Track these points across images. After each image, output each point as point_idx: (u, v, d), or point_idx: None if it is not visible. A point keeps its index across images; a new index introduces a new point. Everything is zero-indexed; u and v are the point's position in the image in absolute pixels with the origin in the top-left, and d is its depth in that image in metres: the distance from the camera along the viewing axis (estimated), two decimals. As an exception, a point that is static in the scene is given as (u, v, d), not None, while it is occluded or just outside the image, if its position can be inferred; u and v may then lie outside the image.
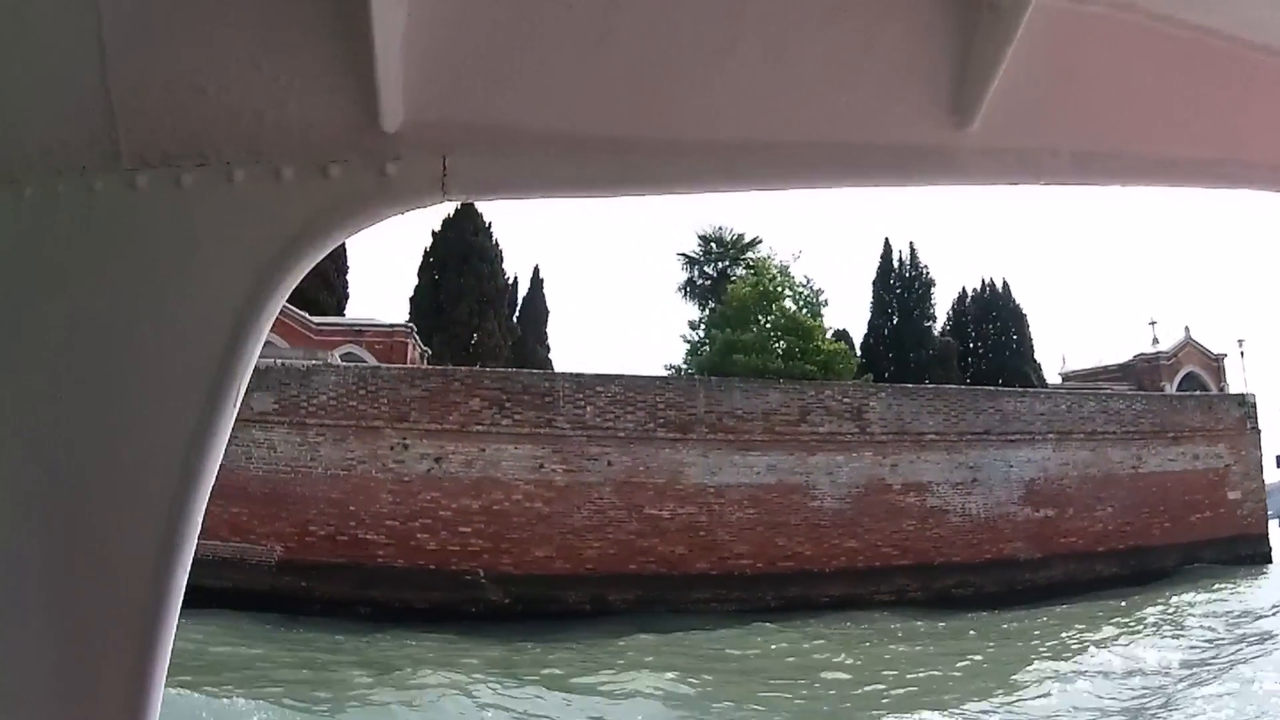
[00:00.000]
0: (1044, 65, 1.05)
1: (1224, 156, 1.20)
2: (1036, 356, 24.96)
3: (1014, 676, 11.62)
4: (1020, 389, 19.66)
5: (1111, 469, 17.99)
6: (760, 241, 28.25)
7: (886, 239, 27.26)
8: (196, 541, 1.03)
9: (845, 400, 18.04)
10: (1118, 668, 11.99)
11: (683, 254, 30.26)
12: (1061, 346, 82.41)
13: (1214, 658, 12.20)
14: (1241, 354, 25.14)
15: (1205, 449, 18.76)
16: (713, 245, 29.00)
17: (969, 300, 26.01)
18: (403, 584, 16.91)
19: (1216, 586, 16.14)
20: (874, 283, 25.64)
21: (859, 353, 21.99)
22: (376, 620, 16.15)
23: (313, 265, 1.05)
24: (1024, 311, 25.45)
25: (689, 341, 24.94)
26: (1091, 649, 13.16)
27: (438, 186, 1.02)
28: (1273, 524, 19.42)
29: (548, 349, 31.07)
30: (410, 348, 25.39)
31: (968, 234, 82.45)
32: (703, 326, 24.38)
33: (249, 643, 14.20)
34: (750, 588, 16.60)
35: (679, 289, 29.89)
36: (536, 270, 32.10)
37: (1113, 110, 1.13)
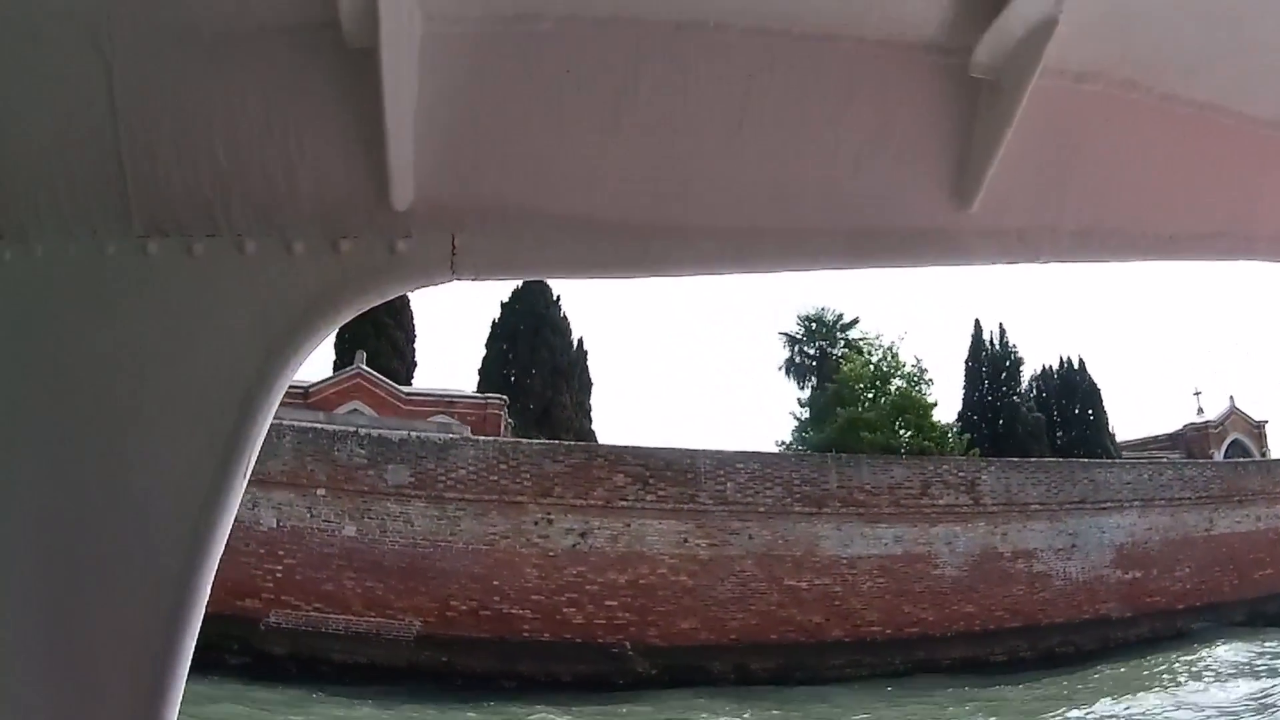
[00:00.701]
0: (1044, 145, 1.10)
1: (1226, 230, 1.24)
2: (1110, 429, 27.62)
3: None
4: (1109, 460, 22.00)
5: (1188, 532, 20.54)
6: (858, 321, 30.00)
7: (977, 320, 29.65)
8: (204, 608, 1.08)
9: (960, 474, 19.89)
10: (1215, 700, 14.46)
11: (784, 333, 31.80)
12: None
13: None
14: None
15: (1265, 510, 21.51)
16: (813, 325, 30.19)
17: (1051, 376, 28.23)
18: (549, 657, 17.92)
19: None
20: (966, 361, 27.66)
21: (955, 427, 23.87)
22: (523, 693, 17.19)
23: (323, 339, 1.10)
24: (1098, 387, 27.94)
25: (798, 418, 26.19)
26: (1185, 690, 15.54)
27: (447, 265, 1.05)
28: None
29: (590, 419, 32.29)
30: (501, 419, 25.86)
31: (1023, 305, 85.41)
32: (809, 404, 25.64)
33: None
34: (880, 653, 18.36)
35: (780, 367, 31.42)
36: (580, 342, 33.05)
37: (1113, 187, 1.17)
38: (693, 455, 19.73)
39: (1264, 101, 1.17)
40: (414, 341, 32.43)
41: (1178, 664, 18.43)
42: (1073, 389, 28.00)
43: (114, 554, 1.05)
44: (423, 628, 18.05)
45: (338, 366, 30.31)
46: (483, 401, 26.86)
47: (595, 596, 18.42)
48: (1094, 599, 19.45)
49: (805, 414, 26.03)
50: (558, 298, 33.10)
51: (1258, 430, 28.18)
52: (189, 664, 1.07)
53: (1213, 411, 27.97)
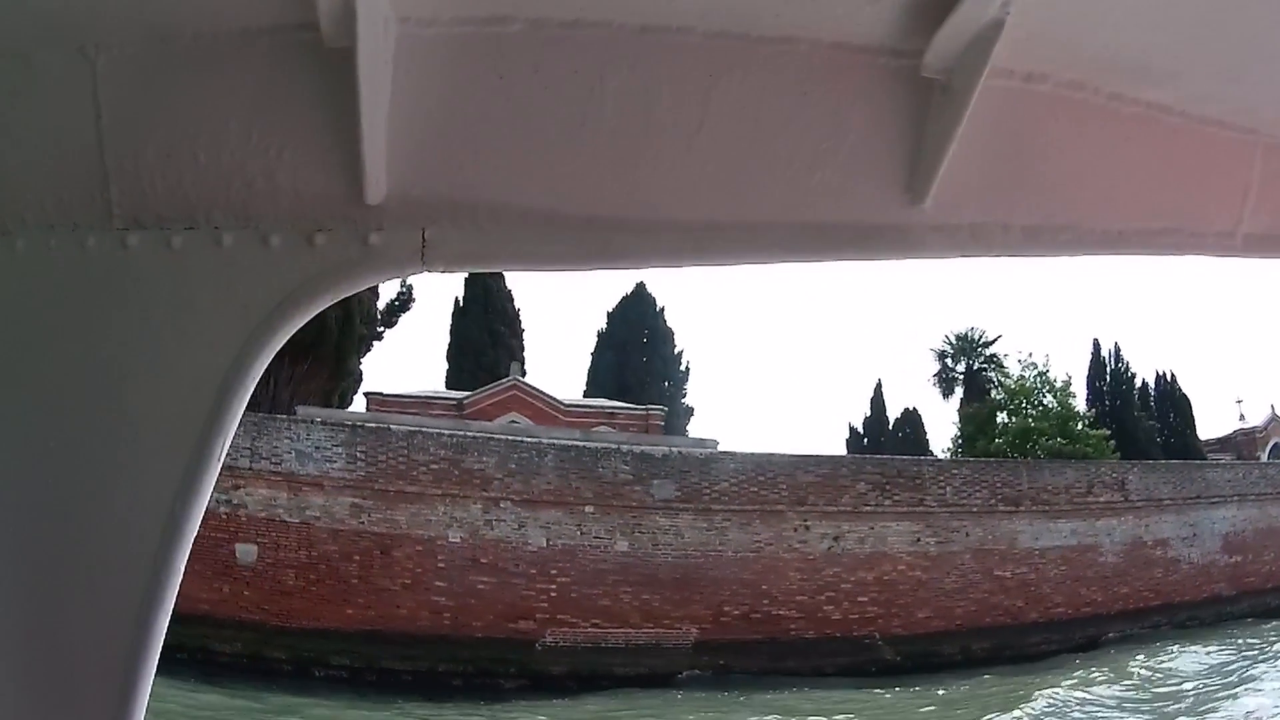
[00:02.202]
0: (994, 143, 1.18)
1: (1174, 226, 1.34)
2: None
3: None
4: (1213, 462, 27.47)
5: (1271, 523, 26.29)
6: (1001, 338, 34.47)
7: (1096, 340, 35.41)
8: (177, 594, 1.13)
9: (1113, 475, 24.48)
10: None
11: (935, 349, 35.53)
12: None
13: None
14: None
15: None
16: (962, 343, 33.88)
17: (1148, 389, 33.79)
18: (813, 653, 20.51)
19: None
20: (1088, 376, 32.56)
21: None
22: (793, 685, 19.66)
23: (296, 329, 1.16)
24: (1189, 397, 33.87)
25: (958, 426, 29.82)
26: None
27: (418, 257, 1.12)
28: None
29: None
30: (661, 429, 27.56)
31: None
32: (971, 417, 29.41)
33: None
34: (1064, 630, 22.46)
35: (931, 379, 35.13)
36: (681, 354, 36.37)
37: (1063, 184, 1.25)
38: (919, 463, 22.90)
39: (1209, 101, 1.25)
40: (524, 349, 33.15)
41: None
42: (1169, 399, 34.12)
43: (87, 546, 1.10)
44: (699, 635, 19.99)
45: (450, 374, 30.48)
46: (644, 413, 28.65)
47: (849, 594, 21.15)
48: (1209, 580, 24.72)
49: (970, 426, 29.84)
50: (662, 309, 35.21)
51: None
52: (158, 657, 1.12)
53: (1255, 418, 35.26)
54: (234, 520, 18.35)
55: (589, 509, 20.00)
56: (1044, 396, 27.25)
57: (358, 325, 22.12)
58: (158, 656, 1.12)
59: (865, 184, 1.17)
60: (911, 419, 44.96)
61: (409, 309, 27.78)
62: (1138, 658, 21.97)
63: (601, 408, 29.76)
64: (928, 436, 43.32)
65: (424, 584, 18.58)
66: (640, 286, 37.90)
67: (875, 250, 1.21)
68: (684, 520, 20.56)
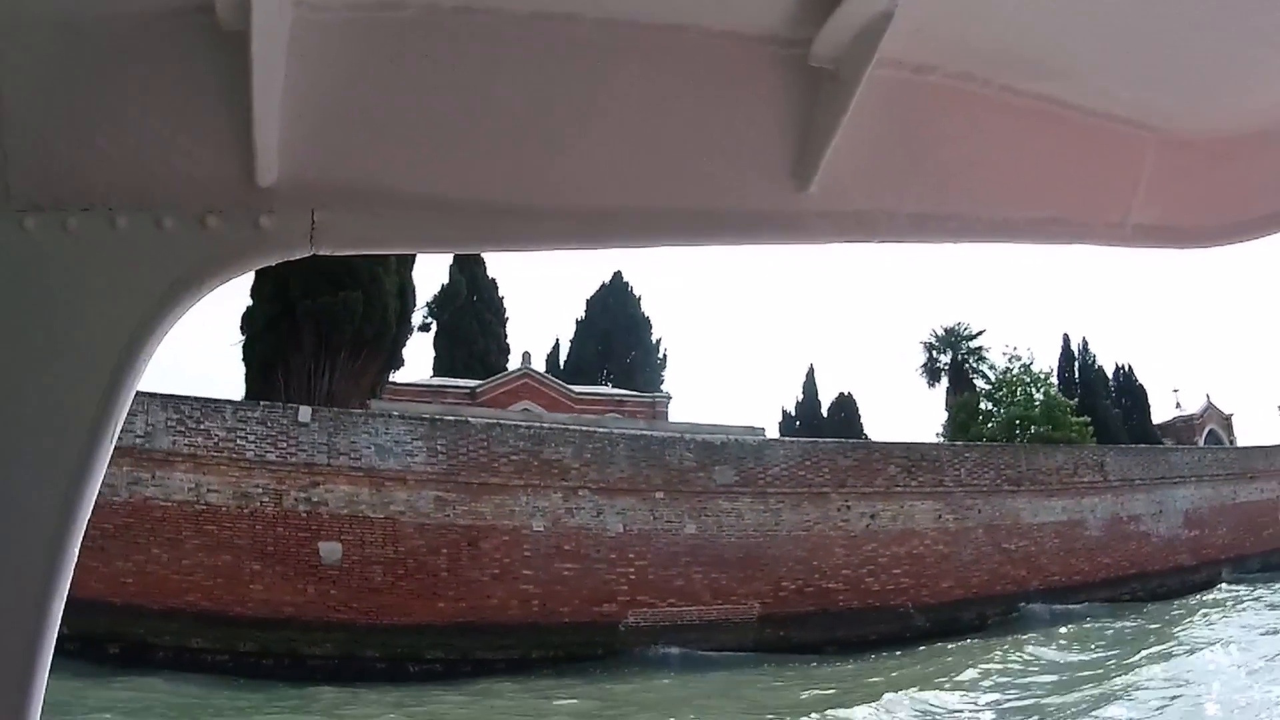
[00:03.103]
0: (882, 132, 1.22)
1: (1064, 216, 1.39)
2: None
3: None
4: (1174, 447, 31.24)
5: (1222, 501, 30.31)
6: (984, 332, 37.25)
7: (1066, 335, 39.11)
8: (72, 576, 1.11)
9: (1094, 458, 27.75)
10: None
11: (924, 341, 38.00)
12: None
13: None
14: None
15: (1265, 484, 32.06)
16: (949, 335, 36.27)
17: (1108, 379, 37.41)
18: (858, 622, 22.58)
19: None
20: (1059, 367, 35.83)
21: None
22: (843, 655, 21.68)
23: (189, 310, 1.17)
24: (1145, 387, 37.70)
25: (949, 413, 32.27)
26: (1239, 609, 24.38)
27: (306, 240, 1.14)
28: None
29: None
30: (667, 415, 28.82)
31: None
32: (961, 406, 32.02)
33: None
34: (1057, 596, 25.45)
35: (918, 369, 37.76)
36: (659, 342, 38.09)
37: (952, 173, 1.31)
38: (938, 448, 25.23)
39: (1098, 94, 1.30)
40: (507, 337, 33.61)
41: (1231, 599, 27.63)
42: (1128, 389, 38.08)
43: None
44: (761, 609, 21.64)
45: (438, 362, 30.68)
46: (651, 400, 29.78)
47: (885, 567, 23.32)
48: (1174, 551, 28.44)
49: (959, 415, 32.51)
50: (639, 298, 36.50)
51: (1227, 421, 40.56)
52: (53, 647, 1.10)
53: (1192, 406, 39.82)
54: (315, 518, 18.47)
55: (659, 495, 21.19)
56: (1029, 388, 30.45)
57: (410, 318, 22.19)
58: (53, 646, 1.11)
59: (753, 171, 1.20)
60: (846, 403, 48.21)
61: (457, 302, 27.80)
62: (1113, 618, 25.30)
63: (610, 395, 30.89)
64: (862, 421, 46.70)
65: (512, 573, 19.26)
66: (617, 276, 39.48)
67: (763, 235, 1.25)
68: (743, 503, 22.09)
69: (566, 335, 39.59)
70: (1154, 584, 27.32)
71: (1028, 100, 1.26)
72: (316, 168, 1.12)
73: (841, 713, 13.85)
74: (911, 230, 1.28)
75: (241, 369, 22.25)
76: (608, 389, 32.12)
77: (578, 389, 30.28)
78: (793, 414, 49.31)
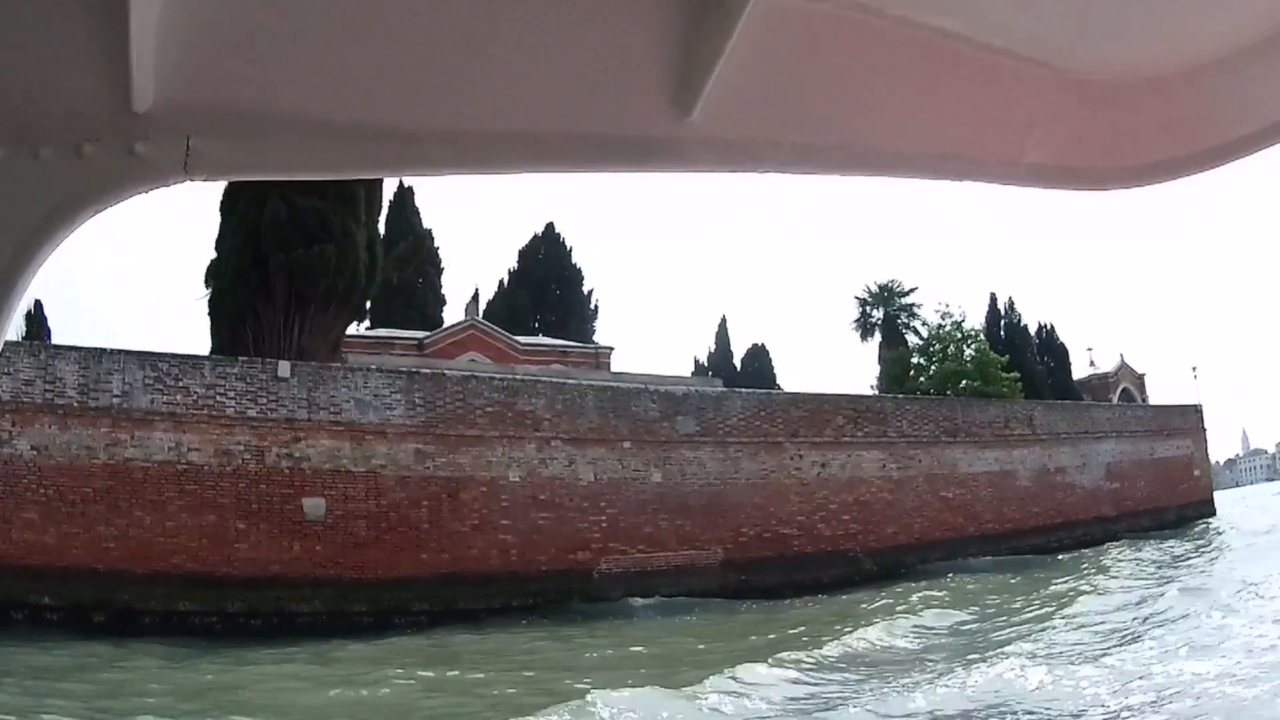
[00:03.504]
0: (769, 60, 1.22)
1: (956, 152, 1.42)
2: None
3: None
4: (1096, 403, 34.33)
5: (1141, 456, 33.58)
6: (917, 289, 39.58)
7: (993, 294, 41.95)
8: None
9: (1024, 412, 30.63)
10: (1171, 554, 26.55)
11: (858, 297, 40.20)
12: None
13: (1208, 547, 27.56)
14: (1195, 376, 43.69)
15: (1181, 442, 35.59)
16: (882, 291, 38.43)
17: (1030, 336, 40.37)
18: (813, 566, 24.85)
19: (1198, 528, 32.51)
20: (985, 325, 38.18)
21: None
22: (798, 595, 23.94)
23: (65, 240, 1.19)
24: (1066, 346, 40.77)
25: (882, 367, 34.62)
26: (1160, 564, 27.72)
27: (181, 167, 1.15)
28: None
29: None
30: (609, 365, 30.45)
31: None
32: (896, 359, 34.40)
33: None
34: (990, 543, 28.25)
35: (853, 324, 40.24)
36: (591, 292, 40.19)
37: (841, 105, 1.33)
38: (880, 400, 27.64)
39: (995, 29, 1.30)
40: (443, 287, 34.65)
41: (1151, 545, 30.88)
42: (1050, 347, 41.23)
43: None
44: (724, 554, 23.62)
45: (374, 313, 31.53)
46: (594, 351, 31.30)
47: (835, 514, 25.64)
48: (1097, 502, 31.62)
49: (895, 367, 34.94)
50: (570, 249, 37.95)
51: (1139, 380, 44.19)
52: None
53: (1106, 364, 43.42)
54: (298, 474, 19.42)
55: (626, 445, 22.89)
56: (961, 344, 33.21)
57: (377, 271, 23.09)
58: None
59: (636, 96, 1.23)
60: (759, 354, 50.85)
61: (435, 262, 28.68)
62: (1039, 566, 28.27)
63: (554, 346, 32.37)
64: (775, 372, 49.35)
65: (491, 524, 20.68)
66: (550, 227, 40.83)
67: (645, 162, 1.29)
68: (705, 453, 23.99)
69: (491, 286, 40.95)
70: (1079, 532, 30.45)
71: (924, 34, 1.27)
72: (193, 92, 1.13)
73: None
74: (796, 160, 1.33)
75: (203, 323, 22.84)
76: (552, 340, 33.64)
77: (523, 340, 31.67)
78: (705, 364, 51.74)
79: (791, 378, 56.91)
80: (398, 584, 19.30)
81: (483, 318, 34.17)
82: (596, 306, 40.31)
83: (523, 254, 39.82)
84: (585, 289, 40.29)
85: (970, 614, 18.36)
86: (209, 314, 22.44)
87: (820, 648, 14.21)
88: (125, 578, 17.75)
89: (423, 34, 1.15)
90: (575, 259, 40.62)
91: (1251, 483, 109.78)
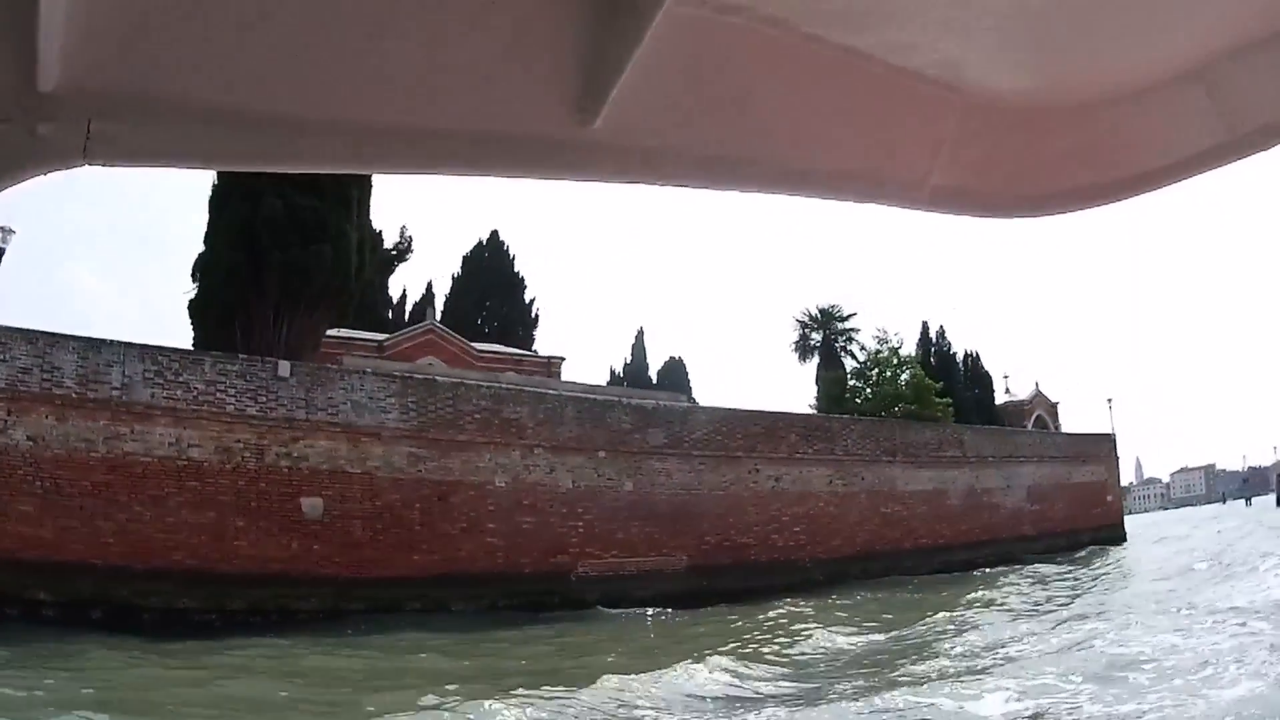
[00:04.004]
0: (677, 71, 1.26)
1: (863, 172, 1.48)
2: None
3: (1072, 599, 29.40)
4: (1019, 429, 38.16)
5: (1059, 480, 37.62)
6: (856, 314, 43.17)
7: (925, 321, 46.33)
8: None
9: (955, 436, 34.21)
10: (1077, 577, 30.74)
11: (799, 319, 43.87)
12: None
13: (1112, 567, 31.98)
14: (1110, 406, 48.21)
15: (1094, 468, 39.83)
16: (823, 315, 41.39)
17: (957, 363, 44.15)
18: (767, 574, 27.48)
19: (1106, 551, 36.57)
20: (918, 351, 41.49)
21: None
22: (758, 602, 26.64)
23: None
24: (990, 373, 44.63)
25: (821, 386, 37.60)
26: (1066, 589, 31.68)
27: (80, 151, 1.16)
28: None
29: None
30: (560, 374, 32.64)
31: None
32: (832, 381, 37.44)
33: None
34: (924, 556, 31.59)
35: (792, 346, 45.16)
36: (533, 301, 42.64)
37: (747, 119, 1.36)
38: (829, 420, 30.63)
39: (912, 52, 1.35)
40: (389, 289, 36.03)
41: (1064, 560, 34.75)
42: (975, 374, 45.13)
43: None
44: (689, 560, 26.03)
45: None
46: (546, 360, 33.33)
47: (787, 525, 28.45)
48: (1020, 522, 35.43)
49: (834, 389, 38.00)
50: (514, 257, 39.96)
51: (1053, 408, 48.73)
52: None
53: (1022, 392, 47.83)
54: (296, 473, 20.81)
55: (602, 454, 25.06)
56: (897, 369, 36.76)
57: (366, 272, 24.58)
58: None
59: (540, 100, 1.25)
60: (676, 367, 53.88)
61: (406, 259, 30.01)
62: (969, 581, 31.80)
63: (509, 354, 34.37)
64: (691, 386, 52.42)
65: (479, 527, 22.51)
66: (494, 235, 42.86)
67: (544, 168, 1.31)
68: (672, 464, 26.39)
69: (439, 290, 42.47)
70: (1003, 549, 34.15)
71: (834, 52, 1.31)
72: (96, 73, 1.13)
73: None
74: (699, 174, 1.37)
75: (184, 316, 23.83)
76: (506, 348, 35.65)
77: (479, 346, 33.53)
78: (620, 375, 54.34)
79: (709, 391, 60.22)
80: (393, 583, 20.83)
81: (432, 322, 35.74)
82: (537, 315, 42.38)
83: (467, 260, 41.59)
84: (527, 298, 42.31)
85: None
86: (192, 307, 23.48)
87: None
88: (125, 574, 18.43)
89: (323, 23, 1.17)
90: (518, 267, 42.63)
91: (1145, 510, 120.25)
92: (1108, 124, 1.51)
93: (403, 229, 35.62)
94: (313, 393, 21.31)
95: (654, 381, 51.77)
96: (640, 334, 53.96)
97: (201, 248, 23.37)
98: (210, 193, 23.62)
